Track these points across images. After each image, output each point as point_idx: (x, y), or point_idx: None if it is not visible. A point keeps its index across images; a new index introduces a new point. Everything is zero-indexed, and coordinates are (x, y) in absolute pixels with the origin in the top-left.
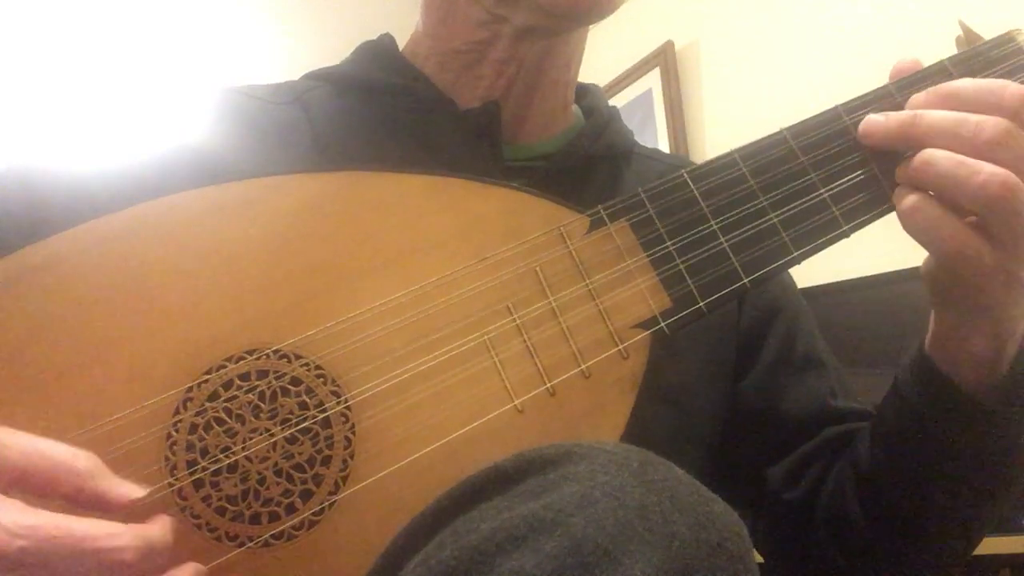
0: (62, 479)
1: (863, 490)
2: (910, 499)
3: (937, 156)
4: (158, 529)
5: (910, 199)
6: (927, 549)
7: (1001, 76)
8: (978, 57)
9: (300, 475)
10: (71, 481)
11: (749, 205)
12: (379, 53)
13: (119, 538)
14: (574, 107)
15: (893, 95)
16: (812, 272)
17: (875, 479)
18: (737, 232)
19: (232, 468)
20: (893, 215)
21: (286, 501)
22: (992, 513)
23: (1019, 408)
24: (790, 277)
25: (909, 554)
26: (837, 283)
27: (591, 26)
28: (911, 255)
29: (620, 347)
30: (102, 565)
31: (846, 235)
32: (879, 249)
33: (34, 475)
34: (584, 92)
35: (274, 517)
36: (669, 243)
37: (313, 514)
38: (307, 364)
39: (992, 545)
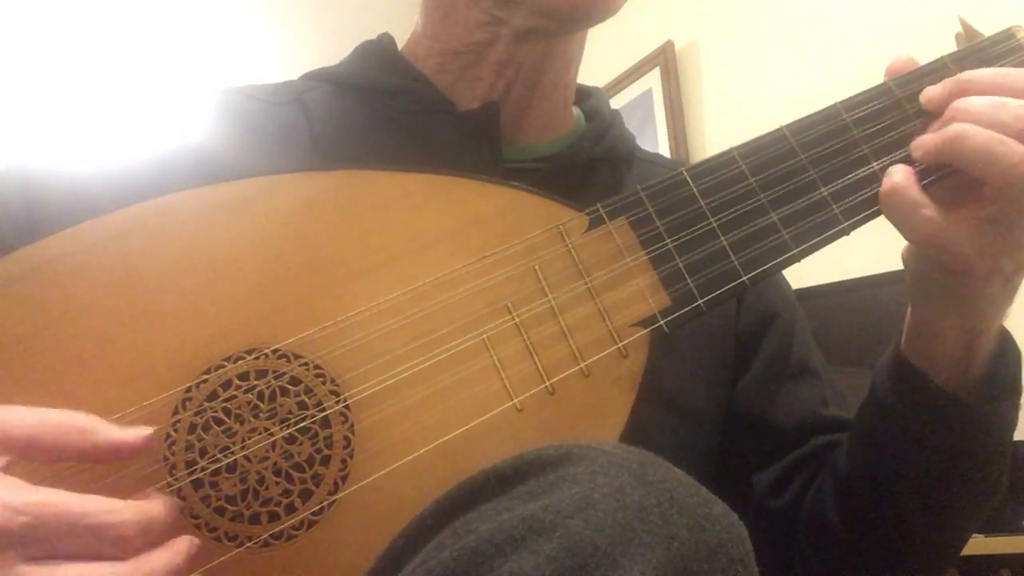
0: (73, 439)
1: (842, 497)
2: (888, 503)
3: (971, 130)
4: (159, 506)
5: (891, 180)
6: (907, 555)
7: None
8: (978, 54)
9: (299, 475)
10: (82, 439)
11: (748, 203)
12: (378, 53)
13: (119, 514)
14: (575, 110)
15: (893, 91)
16: (809, 272)
17: (853, 484)
18: (736, 230)
19: (231, 468)
20: None
21: (285, 501)
22: (974, 516)
23: (996, 405)
24: (788, 286)
25: (889, 561)
26: (834, 283)
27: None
28: None
29: (619, 345)
30: (102, 540)
31: (846, 232)
32: (877, 249)
33: (41, 442)
34: (587, 95)
35: (273, 517)
36: (668, 241)
37: (312, 514)
38: (306, 364)
39: (992, 545)
